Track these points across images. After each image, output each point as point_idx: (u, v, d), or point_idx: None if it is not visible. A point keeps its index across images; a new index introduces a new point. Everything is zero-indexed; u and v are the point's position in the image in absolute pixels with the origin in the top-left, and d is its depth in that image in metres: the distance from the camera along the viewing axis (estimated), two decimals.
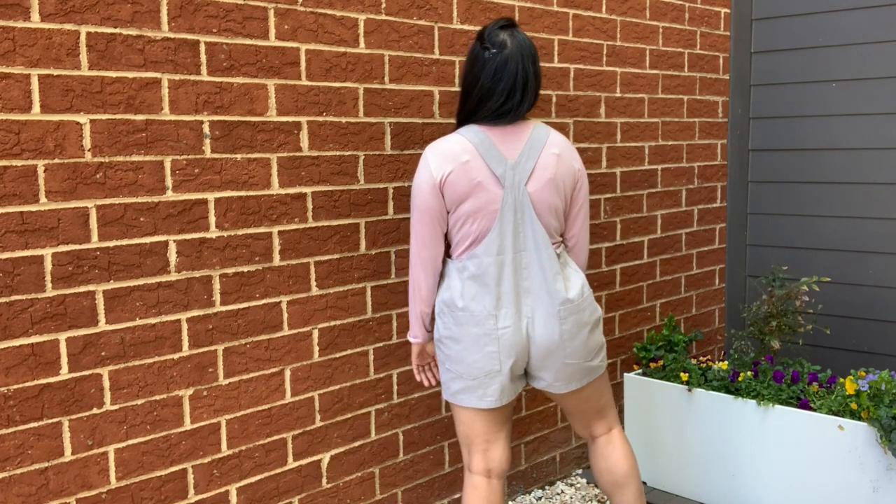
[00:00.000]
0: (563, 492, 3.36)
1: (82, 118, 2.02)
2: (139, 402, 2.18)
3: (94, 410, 2.10)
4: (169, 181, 2.18)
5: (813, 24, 3.85)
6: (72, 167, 2.01)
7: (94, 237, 2.06)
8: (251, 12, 2.30)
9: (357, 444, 2.70)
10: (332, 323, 2.59)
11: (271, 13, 2.35)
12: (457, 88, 2.84)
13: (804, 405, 2.98)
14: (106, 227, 2.08)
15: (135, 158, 2.12)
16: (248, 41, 2.30)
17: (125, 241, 2.12)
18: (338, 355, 2.61)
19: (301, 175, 2.46)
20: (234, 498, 2.40)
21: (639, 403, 3.38)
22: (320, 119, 2.49)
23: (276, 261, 2.43)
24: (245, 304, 2.37)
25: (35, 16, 1.93)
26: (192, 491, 2.31)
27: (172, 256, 2.21)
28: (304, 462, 2.56)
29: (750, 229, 4.17)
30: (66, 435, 2.06)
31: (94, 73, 2.03)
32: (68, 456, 2.07)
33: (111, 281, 2.10)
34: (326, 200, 2.53)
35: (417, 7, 2.70)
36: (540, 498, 3.30)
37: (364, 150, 2.61)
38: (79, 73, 2.00)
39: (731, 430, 3.11)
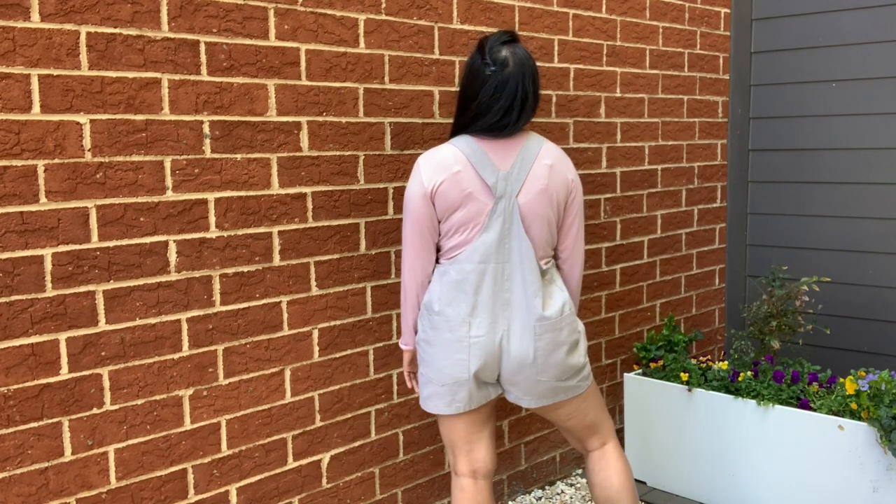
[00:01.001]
0: (563, 492, 3.36)
1: (82, 118, 2.02)
2: (139, 402, 2.18)
3: (94, 410, 2.10)
4: (169, 181, 2.18)
5: (813, 24, 3.85)
6: (72, 167, 2.01)
7: (94, 237, 2.06)
8: (251, 12, 2.30)
9: (357, 444, 2.70)
10: (332, 323, 2.59)
11: (271, 13, 2.35)
12: (456, 88, 2.84)
13: (804, 405, 2.98)
14: (106, 227, 2.08)
15: (135, 158, 2.12)
16: (248, 41, 2.30)
17: (125, 241, 2.12)
18: (338, 355, 2.61)
19: (301, 175, 2.46)
20: (234, 498, 2.40)
21: (639, 403, 3.38)
22: (320, 119, 2.49)
23: (276, 261, 2.43)
24: (245, 304, 2.37)
25: (35, 16, 1.93)
26: (192, 491, 2.31)
27: (172, 256, 2.21)
28: (304, 462, 2.56)
29: (750, 229, 4.17)
30: (66, 435, 2.06)
31: (94, 73, 2.03)
32: (68, 456, 2.07)
33: (111, 281, 2.10)
34: (326, 200, 2.53)
35: (417, 7, 2.70)
36: (540, 498, 3.30)
37: (364, 150, 2.61)
38: (79, 73, 2.00)
39: (731, 430, 3.11)
